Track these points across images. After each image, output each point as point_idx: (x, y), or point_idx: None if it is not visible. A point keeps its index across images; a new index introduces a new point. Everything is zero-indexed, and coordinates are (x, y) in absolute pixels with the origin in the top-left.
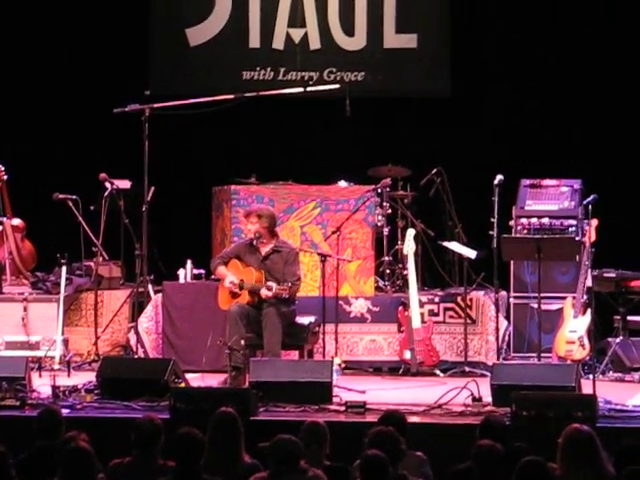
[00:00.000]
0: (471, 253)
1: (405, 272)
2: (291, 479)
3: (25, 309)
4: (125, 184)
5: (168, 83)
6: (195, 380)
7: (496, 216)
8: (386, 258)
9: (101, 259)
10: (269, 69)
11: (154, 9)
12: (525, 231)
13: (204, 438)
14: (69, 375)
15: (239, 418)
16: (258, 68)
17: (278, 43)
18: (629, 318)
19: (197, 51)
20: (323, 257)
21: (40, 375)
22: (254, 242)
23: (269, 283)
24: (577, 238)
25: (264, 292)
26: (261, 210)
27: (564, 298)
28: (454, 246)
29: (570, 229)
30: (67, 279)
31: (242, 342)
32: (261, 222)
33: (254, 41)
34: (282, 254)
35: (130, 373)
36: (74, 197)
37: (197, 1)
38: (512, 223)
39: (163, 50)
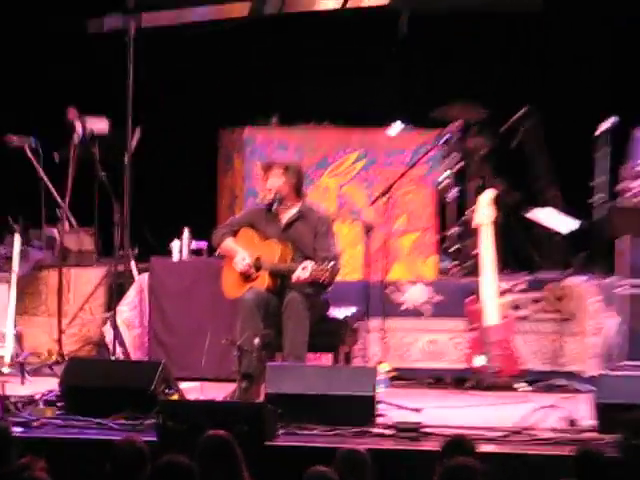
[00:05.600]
0: (570, 224)
1: (478, 250)
2: None
3: None
4: (102, 125)
5: None
6: (192, 391)
7: (608, 175)
8: (453, 230)
9: (68, 226)
10: None
11: None
12: (638, 198)
13: (194, 467)
14: (23, 382)
15: (234, 443)
16: None
17: None
18: None
19: None
20: (368, 228)
21: None
22: (273, 206)
23: (306, 262)
24: None
25: (299, 274)
26: (287, 161)
27: None
28: (547, 215)
29: None
30: (21, 252)
31: (257, 341)
32: (287, 177)
33: None
34: (310, 222)
35: (105, 380)
36: (32, 140)
37: None
38: (620, 187)
39: None
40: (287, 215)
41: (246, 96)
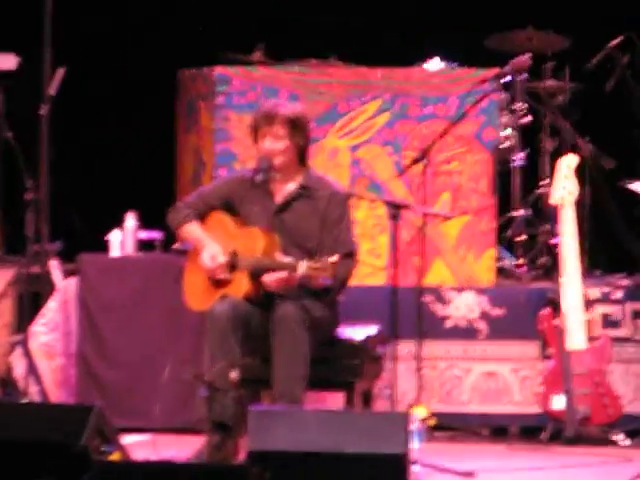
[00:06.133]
0: None
1: (556, 241)
2: None
3: None
4: (7, 61)
5: None
6: (141, 447)
7: None
8: (519, 212)
9: None
10: None
11: None
12: None
13: None
14: None
15: None
16: None
17: None
18: None
19: None
20: (395, 209)
21: None
22: (258, 177)
23: (288, 259)
24: None
25: (268, 278)
26: (295, 114)
27: None
28: None
29: None
30: None
31: (233, 375)
32: (294, 137)
33: None
34: (317, 201)
35: (14, 432)
36: None
37: None
38: None
39: None
40: (284, 191)
41: (217, 22)
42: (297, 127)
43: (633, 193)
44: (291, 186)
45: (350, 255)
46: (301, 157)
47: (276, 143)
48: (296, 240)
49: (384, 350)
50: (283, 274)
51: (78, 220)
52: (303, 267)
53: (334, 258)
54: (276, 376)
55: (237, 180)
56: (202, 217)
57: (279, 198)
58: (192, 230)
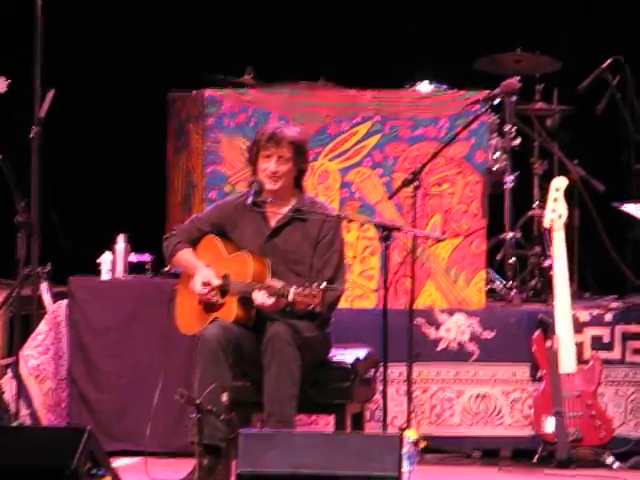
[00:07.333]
0: None
1: (547, 263)
2: None
3: None
4: None
5: None
6: (132, 471)
7: None
8: (509, 235)
9: None
10: None
11: None
12: None
13: None
14: None
15: None
16: None
17: None
18: None
19: None
20: (386, 231)
21: None
22: (249, 199)
23: (274, 283)
24: None
25: (258, 297)
26: (300, 138)
27: None
28: None
29: None
30: None
31: (224, 397)
32: (297, 161)
33: None
34: (310, 225)
35: (5, 455)
36: None
37: None
38: None
39: None
40: (278, 214)
41: (207, 44)
42: (301, 151)
43: (626, 214)
44: (285, 209)
45: (335, 281)
46: (297, 180)
47: (281, 165)
48: (288, 264)
49: (375, 372)
50: (271, 300)
51: (68, 243)
52: (292, 293)
53: (323, 285)
54: (266, 395)
55: (229, 205)
56: (195, 243)
57: (273, 222)
58: (184, 257)
